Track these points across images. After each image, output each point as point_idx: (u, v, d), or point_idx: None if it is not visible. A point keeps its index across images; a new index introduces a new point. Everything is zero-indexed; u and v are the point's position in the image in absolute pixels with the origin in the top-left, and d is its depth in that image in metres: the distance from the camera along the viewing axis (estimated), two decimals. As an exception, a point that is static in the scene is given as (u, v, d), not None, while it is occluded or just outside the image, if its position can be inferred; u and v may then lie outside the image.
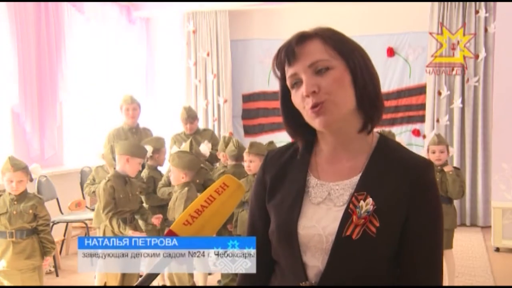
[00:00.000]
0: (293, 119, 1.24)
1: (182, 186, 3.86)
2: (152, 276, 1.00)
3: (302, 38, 1.19)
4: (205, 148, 4.58)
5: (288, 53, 1.19)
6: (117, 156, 3.88)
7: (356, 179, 1.20)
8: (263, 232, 1.27)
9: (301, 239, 1.19)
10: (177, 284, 3.86)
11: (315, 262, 1.18)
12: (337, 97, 1.16)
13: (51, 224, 3.73)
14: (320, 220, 1.19)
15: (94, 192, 4.45)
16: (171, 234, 1.01)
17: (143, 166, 4.43)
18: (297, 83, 1.19)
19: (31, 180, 3.61)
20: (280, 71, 1.23)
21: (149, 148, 4.35)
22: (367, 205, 1.15)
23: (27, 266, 3.49)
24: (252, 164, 4.13)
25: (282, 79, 1.23)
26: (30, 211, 3.48)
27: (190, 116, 5.34)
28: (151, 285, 1.01)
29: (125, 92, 5.70)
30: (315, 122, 1.18)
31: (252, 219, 1.33)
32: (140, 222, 4.12)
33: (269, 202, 1.28)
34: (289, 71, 1.20)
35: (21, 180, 3.47)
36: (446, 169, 4.12)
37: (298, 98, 1.19)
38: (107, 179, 3.80)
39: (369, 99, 1.19)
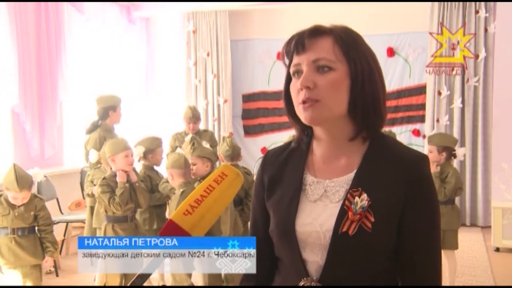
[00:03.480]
0: (292, 106, 1.26)
1: (179, 187, 3.82)
2: (144, 276, 1.00)
3: (315, 32, 1.21)
4: None
5: (298, 43, 1.21)
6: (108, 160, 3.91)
7: (351, 175, 1.22)
8: (264, 230, 1.30)
9: (299, 236, 1.21)
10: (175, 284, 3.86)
11: (314, 258, 1.20)
12: (329, 100, 1.18)
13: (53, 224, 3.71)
14: (317, 217, 1.21)
15: (92, 193, 4.42)
16: (172, 224, 1.01)
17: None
18: (298, 73, 1.21)
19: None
20: (289, 58, 1.25)
21: (140, 149, 4.35)
22: (362, 201, 1.17)
23: (28, 262, 3.49)
24: (194, 167, 3.97)
25: (289, 66, 1.25)
26: (31, 212, 3.49)
27: (195, 116, 5.38)
28: (151, 285, 1.00)
29: (125, 92, 5.70)
30: (302, 116, 1.20)
31: (254, 217, 1.36)
32: (140, 222, 4.12)
33: (268, 200, 1.30)
34: (294, 60, 1.22)
35: (26, 196, 3.46)
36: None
37: (295, 87, 1.21)
38: (103, 177, 3.84)
39: (363, 109, 1.20)
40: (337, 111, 1.20)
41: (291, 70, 1.23)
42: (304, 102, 1.18)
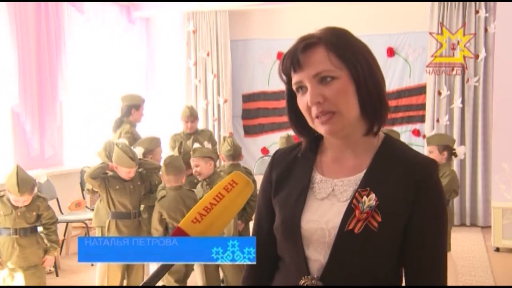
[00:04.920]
0: (298, 120, 1.27)
1: (168, 190, 3.82)
2: (159, 275, 0.99)
3: (306, 46, 1.20)
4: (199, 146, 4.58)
5: (293, 61, 1.21)
6: None
7: (360, 176, 1.22)
8: (269, 228, 1.30)
9: (304, 233, 1.21)
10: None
11: (317, 256, 1.20)
12: (343, 108, 1.18)
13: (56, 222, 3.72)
14: (324, 215, 1.21)
15: (92, 189, 4.40)
16: (180, 231, 1.00)
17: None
18: (302, 88, 1.21)
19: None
20: (286, 76, 1.25)
21: (140, 150, 4.35)
22: (370, 200, 1.17)
23: (30, 263, 3.50)
24: (198, 169, 3.98)
25: (288, 82, 1.25)
26: (34, 213, 3.49)
27: (192, 115, 5.40)
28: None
29: (125, 92, 5.70)
30: (321, 130, 1.21)
31: (259, 216, 1.36)
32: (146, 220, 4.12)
33: (274, 198, 1.31)
34: (294, 78, 1.22)
35: (28, 199, 3.46)
36: None
37: (303, 103, 1.21)
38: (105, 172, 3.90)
39: (372, 105, 1.21)
40: (352, 116, 1.20)
41: (294, 88, 1.23)
42: (318, 116, 1.19)
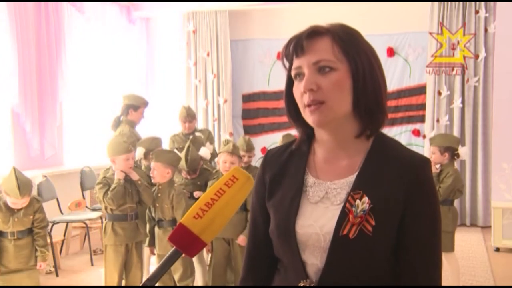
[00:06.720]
0: (294, 109, 1.26)
1: (170, 184, 3.83)
2: (162, 271, 0.99)
3: (313, 33, 1.20)
4: (206, 151, 4.57)
5: (297, 46, 1.20)
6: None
7: (352, 178, 1.21)
8: (264, 230, 1.29)
9: (299, 237, 1.20)
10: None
11: (314, 260, 1.20)
12: (334, 101, 1.17)
13: (50, 225, 3.71)
14: (318, 219, 1.20)
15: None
16: (181, 227, 1.00)
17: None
18: (300, 75, 1.20)
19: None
20: (288, 61, 1.24)
21: (140, 150, 4.32)
22: (363, 204, 1.16)
23: (27, 264, 3.50)
24: (232, 165, 3.96)
25: (289, 69, 1.25)
26: (31, 216, 3.50)
27: (189, 115, 5.38)
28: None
29: (125, 92, 5.70)
30: (309, 119, 1.20)
31: (254, 217, 1.35)
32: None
33: (268, 200, 1.29)
34: (295, 63, 1.21)
35: (27, 201, 3.45)
36: None
37: (298, 90, 1.21)
38: (103, 176, 3.84)
39: (367, 106, 1.20)
40: (342, 111, 1.19)
41: (293, 73, 1.22)
42: (309, 105, 1.18)
